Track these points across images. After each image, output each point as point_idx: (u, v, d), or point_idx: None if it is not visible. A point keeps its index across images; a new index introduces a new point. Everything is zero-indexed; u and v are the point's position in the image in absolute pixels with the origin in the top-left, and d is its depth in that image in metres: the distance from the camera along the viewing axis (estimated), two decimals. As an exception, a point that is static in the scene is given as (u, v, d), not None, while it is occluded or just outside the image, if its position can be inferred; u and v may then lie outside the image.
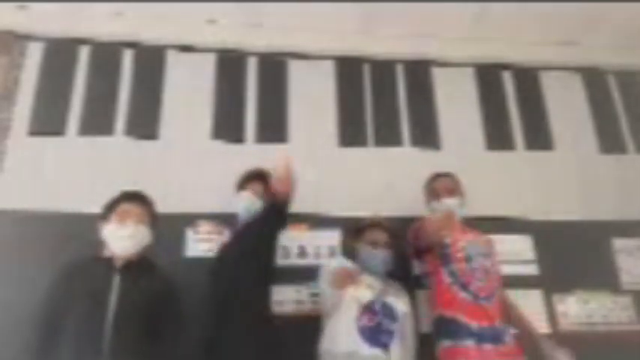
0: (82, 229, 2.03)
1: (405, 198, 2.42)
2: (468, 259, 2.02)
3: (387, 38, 3.01)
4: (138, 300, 1.71)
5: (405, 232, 2.19)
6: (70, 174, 2.51)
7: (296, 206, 1.97)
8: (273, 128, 2.78)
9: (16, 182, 2.47)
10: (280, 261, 2.23)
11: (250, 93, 2.84)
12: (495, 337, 1.90)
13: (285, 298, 2.25)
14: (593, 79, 3.20)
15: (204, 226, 2.39)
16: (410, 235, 2.17)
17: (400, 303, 2.02)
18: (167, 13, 2.80)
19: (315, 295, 2.24)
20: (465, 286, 1.97)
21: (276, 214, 1.92)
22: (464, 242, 2.07)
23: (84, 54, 2.78)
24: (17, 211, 2.30)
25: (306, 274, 2.25)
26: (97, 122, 2.65)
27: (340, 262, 2.05)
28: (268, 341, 1.84)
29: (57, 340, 1.64)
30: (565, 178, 2.89)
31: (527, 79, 3.13)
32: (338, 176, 2.68)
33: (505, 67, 3.13)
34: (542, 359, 1.96)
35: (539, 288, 2.47)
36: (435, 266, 2.10)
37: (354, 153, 2.79)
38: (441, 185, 2.24)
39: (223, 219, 2.36)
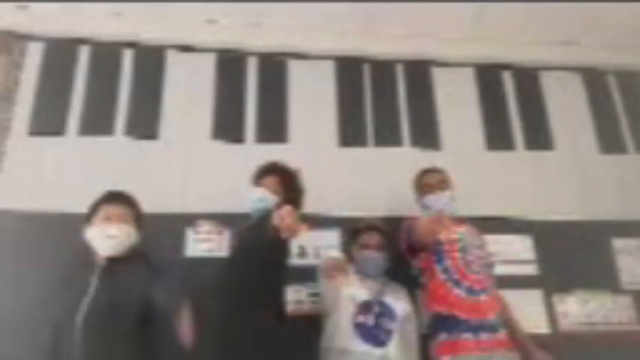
0: (81, 229, 2.02)
1: (405, 198, 2.42)
2: (462, 249, 2.02)
3: (387, 38, 3.01)
4: (116, 301, 1.68)
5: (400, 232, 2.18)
6: (69, 174, 2.52)
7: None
8: (273, 128, 2.78)
9: (16, 182, 2.47)
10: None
11: (250, 93, 2.84)
12: (491, 328, 1.91)
13: (285, 298, 2.24)
14: (593, 79, 3.20)
15: (204, 226, 2.38)
16: (402, 234, 2.15)
17: (400, 303, 2.03)
18: (167, 13, 2.81)
19: (314, 295, 2.24)
20: (458, 283, 1.96)
21: (281, 246, 1.89)
22: (458, 234, 2.06)
23: (84, 54, 2.78)
24: (17, 211, 2.30)
25: (306, 274, 2.25)
26: (97, 122, 2.66)
27: (333, 255, 2.11)
28: (277, 340, 1.82)
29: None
30: (565, 178, 2.89)
31: (527, 79, 3.13)
32: (338, 176, 2.68)
33: (505, 67, 3.13)
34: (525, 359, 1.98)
35: (539, 288, 2.47)
36: (428, 263, 2.09)
37: (354, 153, 2.79)
38: (429, 181, 2.22)
39: (223, 219, 2.36)
